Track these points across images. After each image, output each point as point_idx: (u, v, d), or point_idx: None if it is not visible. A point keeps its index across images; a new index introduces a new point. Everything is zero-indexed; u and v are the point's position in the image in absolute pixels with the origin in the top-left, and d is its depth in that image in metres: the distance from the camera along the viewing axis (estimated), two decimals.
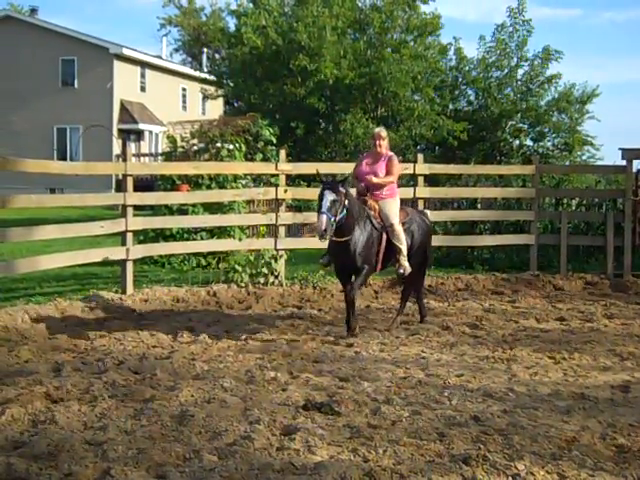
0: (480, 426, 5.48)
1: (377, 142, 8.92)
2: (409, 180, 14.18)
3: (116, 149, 35.10)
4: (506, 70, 27.18)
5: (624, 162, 13.25)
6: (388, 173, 8.86)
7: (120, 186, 11.56)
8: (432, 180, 16.77)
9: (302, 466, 4.63)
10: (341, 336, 8.63)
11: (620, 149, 13.25)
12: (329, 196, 8.08)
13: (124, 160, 11.00)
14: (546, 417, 5.73)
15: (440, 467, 4.68)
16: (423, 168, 13.35)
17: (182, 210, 13.85)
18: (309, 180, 18.05)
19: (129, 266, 10.80)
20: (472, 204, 16.51)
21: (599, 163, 26.74)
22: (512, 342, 8.44)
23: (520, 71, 27.32)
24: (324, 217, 8.01)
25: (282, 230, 12.26)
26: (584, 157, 28.70)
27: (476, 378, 6.88)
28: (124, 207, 10.80)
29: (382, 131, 9.06)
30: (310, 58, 24.65)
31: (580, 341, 8.47)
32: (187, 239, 13.73)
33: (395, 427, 5.46)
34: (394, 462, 4.79)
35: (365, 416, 5.72)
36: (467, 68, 27.61)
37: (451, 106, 27.29)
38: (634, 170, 13.40)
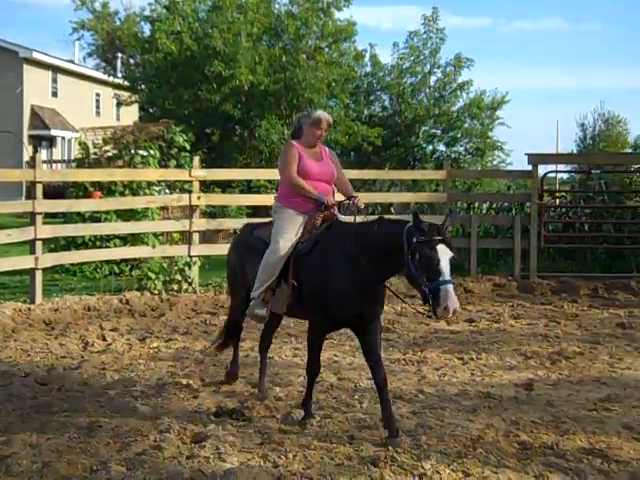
0: None
1: (322, 132, 6.18)
2: None
3: (27, 156, 34.22)
4: (419, 76, 27.68)
5: (530, 167, 13.62)
6: (340, 175, 6.28)
7: (30, 193, 11.31)
8: None
9: (212, 474, 4.63)
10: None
11: (526, 154, 13.65)
12: (447, 255, 5.27)
13: (33, 167, 10.75)
14: (453, 417, 5.88)
15: (349, 470, 4.75)
16: None
17: (95, 217, 13.62)
18: (224, 186, 18.02)
19: (38, 275, 10.57)
20: (386, 209, 16.71)
21: (509, 168, 27.47)
22: (423, 344, 8.60)
23: (433, 78, 27.87)
24: (452, 289, 5.20)
25: (196, 236, 12.21)
26: (495, 162, 29.48)
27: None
28: (33, 215, 10.56)
29: (330, 118, 6.34)
30: (225, 64, 24.59)
31: (488, 342, 8.69)
32: (100, 246, 13.50)
33: (306, 432, 5.51)
34: (304, 466, 4.83)
35: (276, 421, 5.75)
36: (382, 74, 28.01)
37: (366, 112, 27.62)
38: (540, 174, 13.80)
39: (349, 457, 4.99)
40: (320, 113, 6.26)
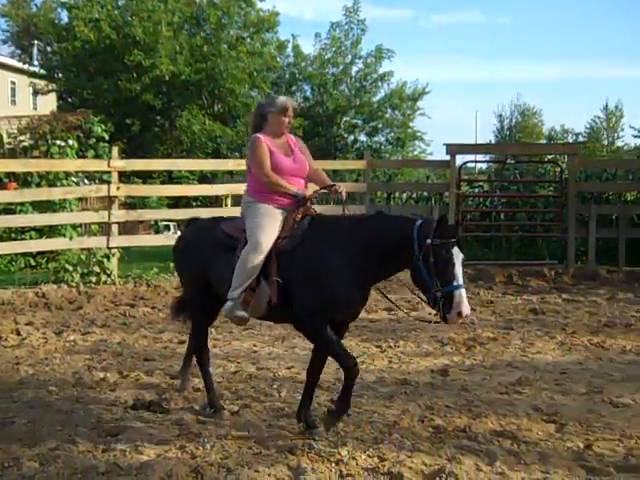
0: None
1: (290, 120, 5.75)
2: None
3: None
4: (341, 67, 27.83)
5: (448, 157, 13.85)
6: (312, 165, 5.82)
7: None
8: None
9: (128, 467, 4.60)
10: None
11: (445, 144, 13.87)
12: (460, 257, 5.00)
13: None
14: (370, 403, 5.97)
15: (267, 458, 4.78)
16: None
17: (9, 209, 13.28)
18: (144, 177, 17.80)
19: None
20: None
21: (429, 158, 27.88)
22: None
23: (354, 68, 28.06)
24: (465, 293, 4.99)
25: (115, 228, 12.06)
26: (416, 152, 29.88)
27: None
28: None
29: (295, 103, 6.00)
30: (145, 53, 24.25)
31: (405, 329, 8.85)
32: (15, 239, 13.17)
33: (224, 422, 5.51)
34: (222, 457, 4.83)
35: (194, 412, 5.74)
36: (304, 64, 28.07)
37: None
38: (457, 164, 14.06)
39: (267, 446, 5.02)
40: (286, 99, 5.79)
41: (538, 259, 13.90)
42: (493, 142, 44.25)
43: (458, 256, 4.94)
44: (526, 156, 16.72)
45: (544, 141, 44.77)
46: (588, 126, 53.30)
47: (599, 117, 53.19)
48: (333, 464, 4.70)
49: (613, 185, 15.95)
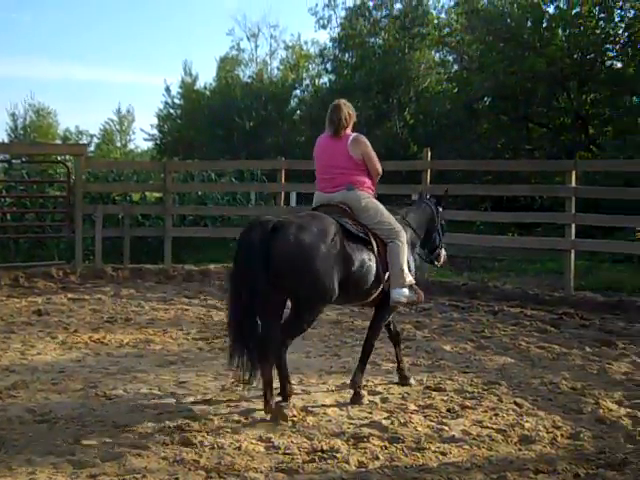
0: None
1: None
2: None
3: None
4: None
5: None
6: None
7: None
8: None
9: None
10: None
11: None
12: None
13: None
14: None
15: None
16: None
17: None
18: None
19: None
20: None
21: None
22: None
23: None
24: None
25: None
26: None
27: None
28: None
29: None
30: None
31: None
32: None
33: None
34: None
35: None
36: None
37: None
38: None
39: None
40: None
41: (48, 260, 13.74)
42: (7, 141, 42.64)
43: None
44: (41, 156, 16.41)
45: (59, 141, 44.34)
46: (102, 128, 54.33)
47: (112, 120, 54.48)
48: None
49: (118, 186, 16.50)
